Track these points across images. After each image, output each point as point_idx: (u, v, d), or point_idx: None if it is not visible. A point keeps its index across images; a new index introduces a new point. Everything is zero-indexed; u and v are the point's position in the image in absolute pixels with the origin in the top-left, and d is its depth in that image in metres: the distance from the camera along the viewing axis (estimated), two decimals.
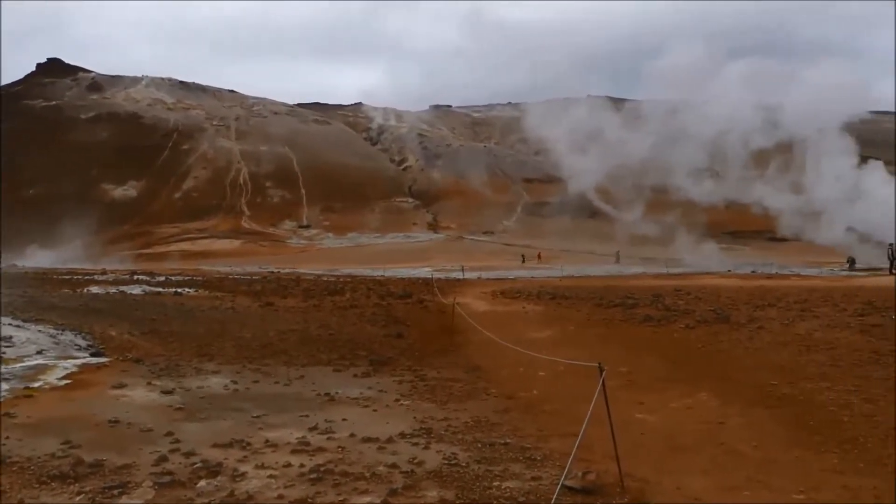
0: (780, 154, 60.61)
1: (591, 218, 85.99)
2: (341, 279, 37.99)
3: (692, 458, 6.81)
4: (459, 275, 41.28)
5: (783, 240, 65.18)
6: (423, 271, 48.83)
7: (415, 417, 8.41)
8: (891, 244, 40.46)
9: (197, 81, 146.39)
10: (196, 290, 27.30)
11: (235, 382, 10.36)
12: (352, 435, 7.55)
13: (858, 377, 9.79)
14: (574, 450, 5.63)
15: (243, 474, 6.28)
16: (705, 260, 54.02)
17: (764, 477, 6.22)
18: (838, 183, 51.66)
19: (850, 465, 6.45)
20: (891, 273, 37.37)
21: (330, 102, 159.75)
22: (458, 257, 62.93)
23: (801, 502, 5.74)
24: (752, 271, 43.39)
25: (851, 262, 48.09)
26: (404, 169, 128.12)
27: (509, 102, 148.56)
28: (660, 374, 10.77)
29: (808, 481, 6.07)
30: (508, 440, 7.41)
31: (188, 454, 6.77)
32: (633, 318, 17.55)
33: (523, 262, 63.92)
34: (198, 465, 6.47)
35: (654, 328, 15.72)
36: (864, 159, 55.14)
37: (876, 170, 52.89)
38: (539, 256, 67.08)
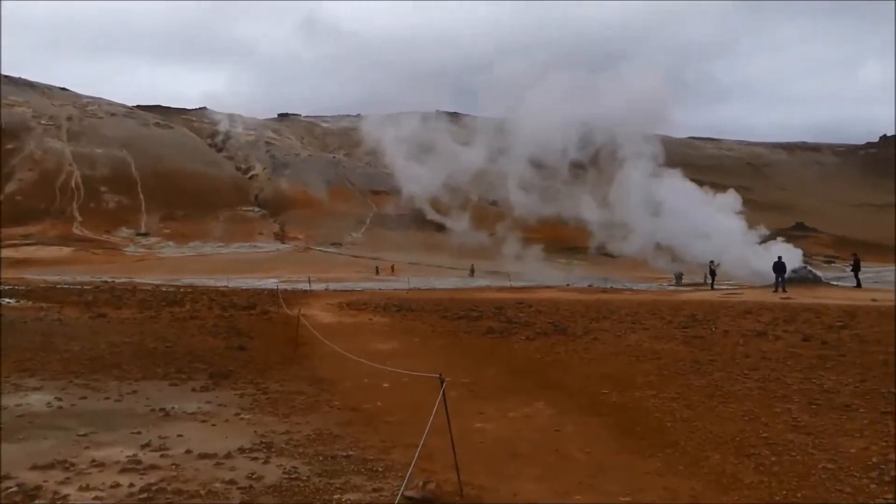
0: (596, 169, 64.57)
1: (439, 231, 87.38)
2: (181, 289, 36.43)
3: (528, 464, 7.04)
4: (306, 286, 40.68)
5: (616, 256, 68.99)
6: (269, 282, 47.75)
7: (255, 431, 8.18)
8: (711, 261, 43.70)
9: (24, 77, 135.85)
10: (18, 301, 25.25)
11: (60, 399, 9.65)
12: (187, 451, 7.24)
13: (681, 385, 10.47)
14: (414, 460, 5.68)
15: (65, 497, 5.87)
16: (546, 274, 56.30)
17: (594, 481, 6.53)
18: (642, 198, 55.53)
19: (671, 467, 6.89)
20: (712, 288, 40.38)
21: (172, 106, 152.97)
22: (305, 268, 62.07)
23: None
24: (590, 285, 45.52)
25: (679, 277, 51.61)
26: (250, 177, 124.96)
27: (358, 114, 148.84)
28: (500, 385, 11.07)
29: (633, 484, 6.43)
30: (351, 452, 7.36)
31: (2, 478, 6.24)
32: (476, 329, 17.93)
33: (377, 273, 64.09)
34: (12, 489, 5.98)
35: (496, 340, 16.14)
36: (699, 183, 59.57)
37: (676, 182, 56.81)
38: (392, 269, 67.43)
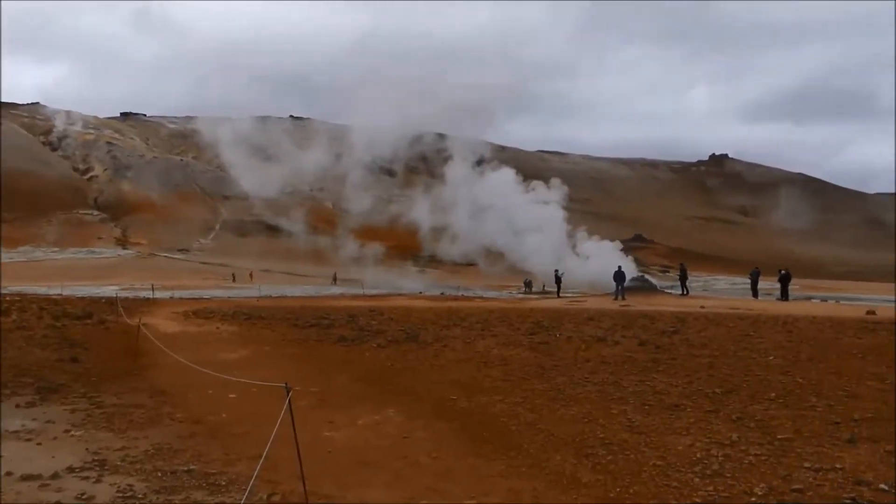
0: (432, 174, 66.26)
1: (291, 238, 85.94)
2: (7, 298, 33.71)
3: (377, 472, 7.04)
4: (149, 294, 38.78)
5: (470, 264, 70.51)
6: (109, 290, 45.14)
7: (87, 449, 7.70)
8: (556, 269, 45.47)
9: None
10: None
11: None
12: (8, 473, 6.72)
13: (526, 390, 10.82)
14: (256, 472, 5.54)
15: None
16: (400, 282, 56.65)
17: (441, 485, 6.62)
18: (471, 202, 57.65)
19: (515, 469, 7.10)
20: (558, 296, 41.99)
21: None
22: (148, 275, 59.22)
23: None
24: (442, 293, 46.18)
25: (528, 285, 53.32)
26: (89, 179, 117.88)
27: (208, 116, 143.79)
28: (351, 393, 11.00)
29: (479, 487, 6.57)
30: (192, 466, 7.08)
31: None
32: (328, 338, 17.75)
33: (233, 280, 62.16)
34: None
35: (348, 348, 16.05)
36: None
37: (503, 182, 59.28)
38: (251, 276, 65.54)
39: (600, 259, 50.60)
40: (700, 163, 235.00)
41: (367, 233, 71.07)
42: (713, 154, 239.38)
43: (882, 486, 6.22)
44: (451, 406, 9.92)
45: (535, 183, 60.86)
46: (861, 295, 53.84)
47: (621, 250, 56.21)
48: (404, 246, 78.93)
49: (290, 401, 5.96)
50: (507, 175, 60.45)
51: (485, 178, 60.12)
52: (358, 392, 11.06)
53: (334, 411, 9.66)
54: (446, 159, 63.10)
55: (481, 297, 41.58)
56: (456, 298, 38.97)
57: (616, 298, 34.67)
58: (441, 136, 64.96)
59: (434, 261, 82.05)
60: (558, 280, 44.49)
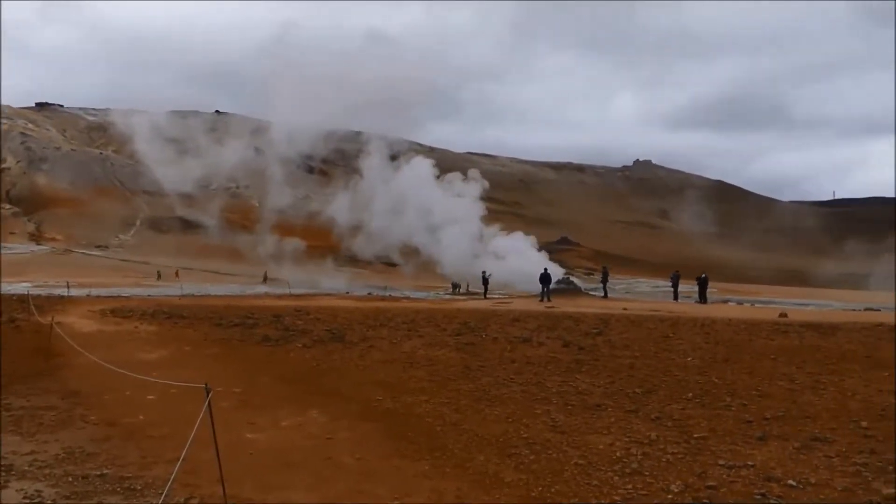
0: (352, 172, 66.07)
1: (219, 235, 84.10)
2: None
3: (299, 474, 6.94)
4: (64, 291, 37.35)
5: (395, 265, 70.29)
6: (20, 287, 43.29)
7: None
8: (484, 271, 45.79)
9: None
10: None
11: None
12: None
13: (451, 390, 10.85)
14: (173, 475, 5.39)
15: None
16: (327, 282, 56.08)
17: (364, 486, 6.58)
18: (389, 199, 57.70)
19: (439, 469, 7.10)
20: (485, 297, 42.28)
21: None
22: (64, 272, 56.93)
23: None
24: (369, 293, 45.93)
25: (455, 286, 53.51)
26: (1, 171, 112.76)
27: (130, 108, 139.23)
28: (274, 394, 10.83)
29: (402, 487, 6.55)
30: (106, 470, 6.85)
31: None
32: (251, 338, 17.43)
33: (158, 278, 60.39)
34: None
35: (272, 348, 15.79)
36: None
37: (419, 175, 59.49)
38: (177, 273, 63.73)
39: (518, 258, 51.02)
40: (625, 168, 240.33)
41: (287, 230, 70.09)
42: (637, 160, 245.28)
43: (790, 482, 6.47)
44: (376, 407, 9.86)
45: (452, 175, 60.83)
46: (774, 298, 55.98)
47: (541, 250, 57.04)
48: (326, 244, 78.29)
49: (209, 402, 5.82)
50: (423, 166, 60.17)
51: (401, 172, 59.78)
52: (282, 393, 10.90)
53: (257, 412, 9.49)
54: (364, 155, 62.86)
55: (408, 298, 41.54)
56: (383, 299, 38.81)
57: (542, 300, 35.13)
58: (361, 134, 64.72)
59: (356, 260, 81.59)
60: (485, 281, 44.82)
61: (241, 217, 78.59)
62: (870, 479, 6.55)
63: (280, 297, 38.48)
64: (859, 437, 7.95)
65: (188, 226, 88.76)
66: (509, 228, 59.67)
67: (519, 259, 50.39)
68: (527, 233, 59.75)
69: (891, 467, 6.83)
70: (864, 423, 8.51)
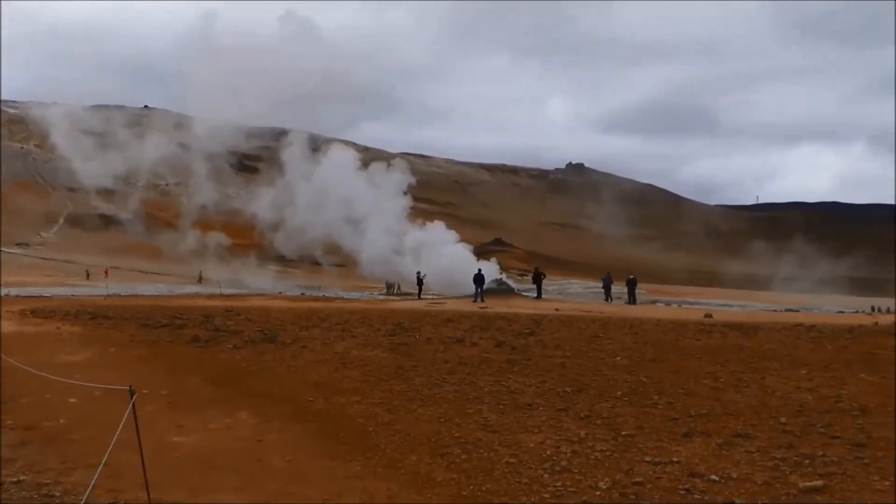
0: (276, 169, 65.22)
1: (146, 234, 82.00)
2: None
3: (228, 476, 6.82)
4: None
5: (320, 263, 69.56)
6: None
7: None
8: (419, 272, 45.79)
9: None
10: None
11: None
12: None
13: (384, 390, 10.82)
14: (93, 480, 5.24)
15: None
16: (260, 282, 55.27)
17: (294, 488, 6.51)
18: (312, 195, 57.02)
19: (370, 470, 7.08)
20: (419, 297, 42.29)
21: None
22: None
23: None
24: (302, 293, 45.46)
25: (389, 287, 53.41)
26: None
27: (54, 102, 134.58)
28: (203, 396, 10.61)
29: (333, 488, 6.51)
30: (23, 477, 6.60)
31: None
32: (180, 338, 17.04)
33: (87, 278, 58.48)
34: None
35: (202, 349, 15.47)
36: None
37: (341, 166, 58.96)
38: (106, 273, 61.71)
39: (436, 251, 50.84)
40: (558, 171, 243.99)
41: (210, 227, 68.76)
42: (570, 163, 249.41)
43: (713, 477, 6.67)
44: (307, 408, 9.77)
45: (376, 165, 60.20)
46: (700, 299, 57.68)
47: (477, 251, 57.24)
48: (250, 242, 77.13)
49: (133, 404, 5.67)
50: (344, 155, 59.23)
51: (321, 163, 58.80)
52: (211, 395, 10.69)
53: (185, 415, 9.28)
54: (285, 146, 61.88)
55: (342, 298, 41.26)
56: (316, 299, 38.47)
57: (475, 301, 35.33)
58: (286, 132, 63.78)
59: (283, 258, 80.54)
60: (420, 282, 44.83)
61: (168, 214, 76.64)
62: (787, 472, 6.80)
63: (211, 297, 37.74)
64: (778, 433, 8.25)
65: (111, 223, 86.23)
66: (419, 220, 59.09)
67: (437, 252, 50.00)
68: (461, 234, 59.73)
69: (807, 461, 7.10)
70: (783, 419, 8.83)
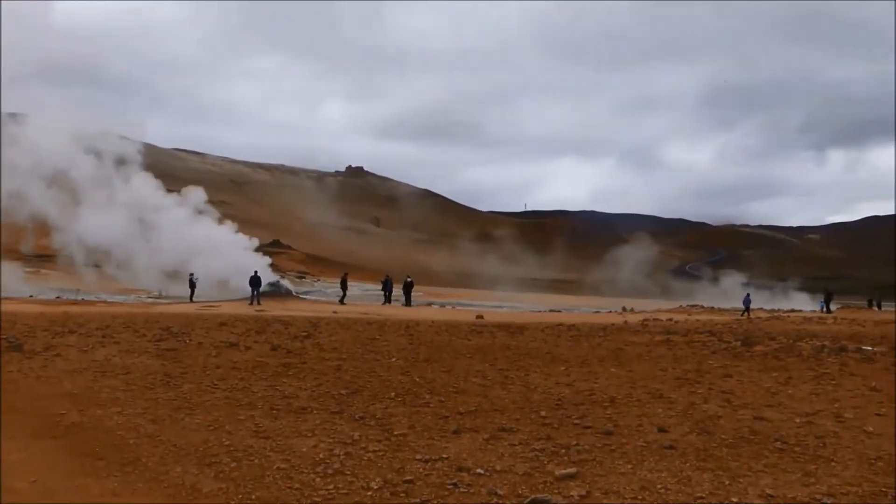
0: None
1: None
2: None
3: None
4: None
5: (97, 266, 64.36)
6: None
7: None
8: (191, 274, 43.64)
9: None
10: None
11: None
12: None
13: (148, 400, 10.18)
14: None
15: None
16: (9, 284, 49.82)
17: None
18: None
19: (130, 485, 6.60)
20: (191, 301, 40.35)
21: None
22: None
23: None
24: (58, 297, 41.75)
25: (192, 285, 50.22)
26: None
27: None
28: None
29: None
30: None
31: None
32: None
33: None
34: None
35: None
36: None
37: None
38: None
39: (221, 257, 48.90)
40: (338, 173, 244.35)
41: None
42: (349, 166, 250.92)
43: (479, 470, 6.97)
44: (58, 422, 8.93)
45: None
46: (473, 301, 60.36)
47: (259, 251, 55.65)
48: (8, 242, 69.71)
49: None
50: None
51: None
52: None
53: None
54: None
55: (105, 302, 38.35)
56: (75, 303, 35.45)
57: (251, 303, 34.43)
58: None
59: (47, 260, 73.61)
60: (192, 285, 42.82)
61: None
62: (545, 462, 7.28)
63: None
64: (539, 426, 8.81)
65: None
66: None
67: (214, 253, 48.05)
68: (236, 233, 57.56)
69: (563, 451, 7.65)
70: (543, 413, 9.44)
